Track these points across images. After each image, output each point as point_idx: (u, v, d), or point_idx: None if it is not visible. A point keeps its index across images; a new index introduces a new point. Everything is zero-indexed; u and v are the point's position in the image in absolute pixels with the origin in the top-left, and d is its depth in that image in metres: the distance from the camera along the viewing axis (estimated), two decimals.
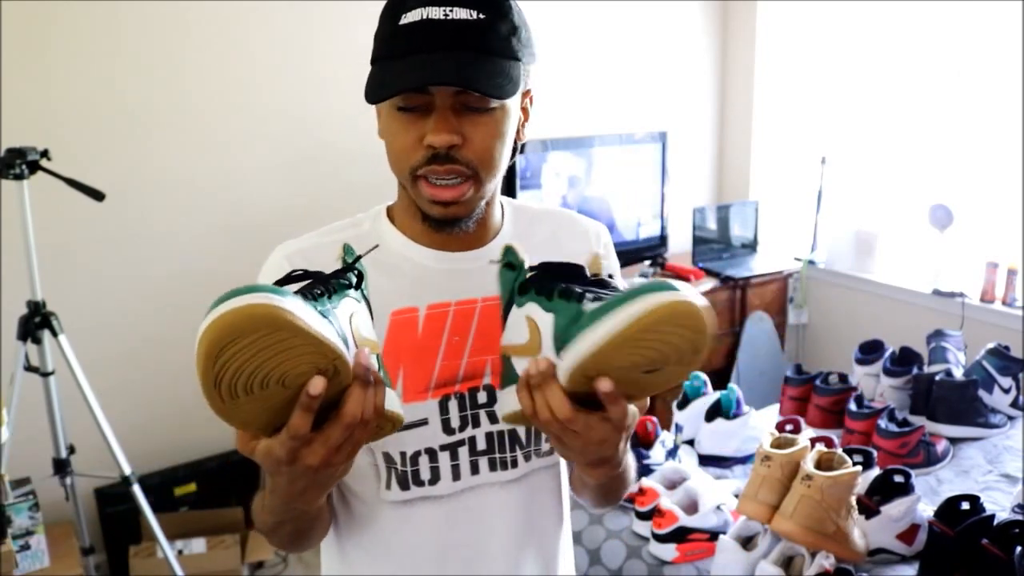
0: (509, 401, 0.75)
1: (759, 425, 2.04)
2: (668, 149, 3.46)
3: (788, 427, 1.92)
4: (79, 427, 2.22)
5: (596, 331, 0.64)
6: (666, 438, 1.99)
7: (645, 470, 1.84)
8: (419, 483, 0.88)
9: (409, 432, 0.86)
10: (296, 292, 0.63)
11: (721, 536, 1.58)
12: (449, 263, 0.89)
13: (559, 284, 0.72)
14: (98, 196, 2.05)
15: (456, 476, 0.89)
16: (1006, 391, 2.15)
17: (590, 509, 1.07)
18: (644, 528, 1.70)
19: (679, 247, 3.68)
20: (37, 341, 2.07)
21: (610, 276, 0.77)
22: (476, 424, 0.89)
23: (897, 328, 3.14)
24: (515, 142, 0.87)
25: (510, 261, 0.79)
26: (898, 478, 1.64)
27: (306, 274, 0.69)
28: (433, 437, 0.87)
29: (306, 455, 0.65)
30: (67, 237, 2.44)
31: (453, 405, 0.87)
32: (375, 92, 0.78)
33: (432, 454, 0.88)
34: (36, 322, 2.06)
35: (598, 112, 3.44)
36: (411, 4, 0.77)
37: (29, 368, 2.08)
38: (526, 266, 0.77)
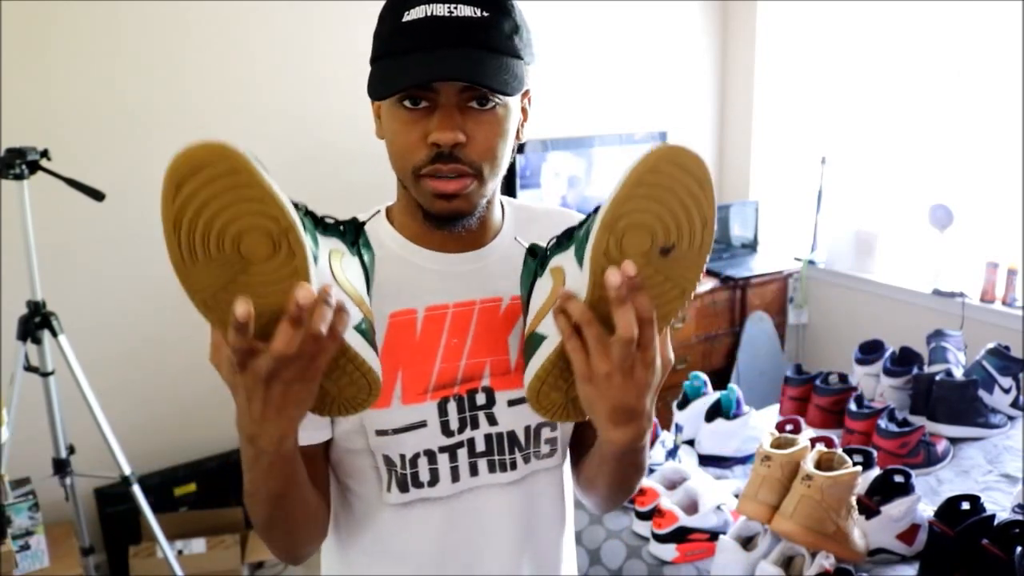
0: (533, 366, 0.75)
1: (759, 425, 2.04)
2: None
3: (788, 427, 1.92)
4: (79, 427, 2.22)
5: (608, 200, 0.67)
6: (666, 438, 1.99)
7: None
8: (418, 485, 0.88)
9: (408, 434, 0.86)
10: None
11: (721, 536, 1.57)
12: (448, 264, 0.89)
13: (574, 228, 0.75)
14: (98, 196, 2.05)
15: (455, 478, 0.89)
16: (1006, 391, 2.15)
17: (594, 510, 1.06)
18: (644, 528, 1.70)
19: None
20: (37, 341, 2.07)
21: None
22: (475, 426, 0.88)
23: (897, 328, 3.14)
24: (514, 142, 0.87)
25: (533, 247, 0.80)
26: (898, 478, 1.64)
27: (296, 206, 0.68)
28: (432, 439, 0.87)
29: (257, 362, 0.63)
30: (67, 237, 2.44)
31: (452, 407, 0.87)
32: (381, 88, 0.78)
33: (431, 456, 0.87)
34: (36, 322, 2.06)
35: (598, 112, 3.44)
36: (415, 1, 0.77)
37: (29, 368, 2.08)
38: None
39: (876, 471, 1.69)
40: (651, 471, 1.83)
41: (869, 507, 1.58)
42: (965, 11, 3.02)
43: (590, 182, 3.30)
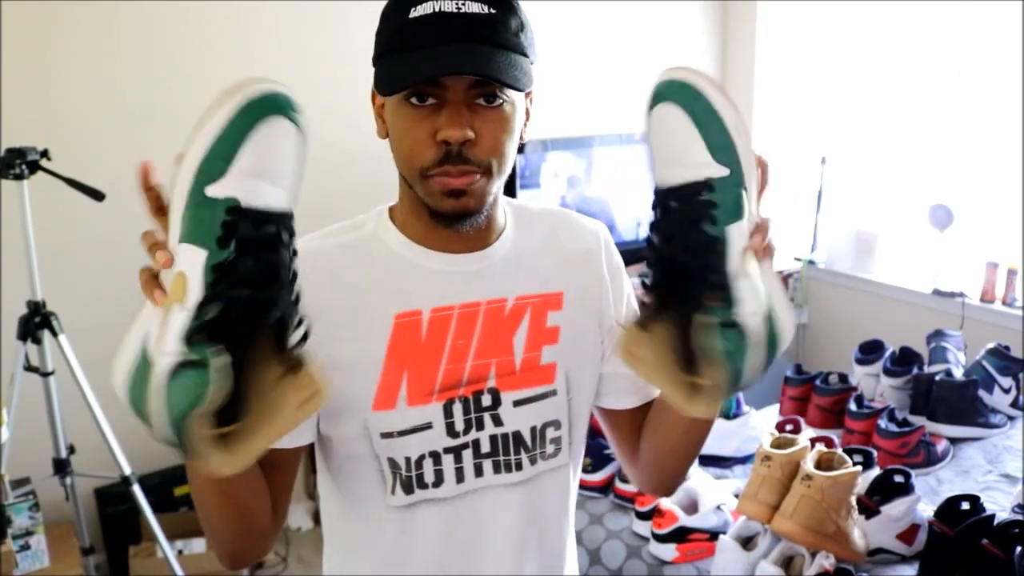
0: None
1: (759, 425, 2.04)
2: None
3: (788, 427, 1.92)
4: (79, 427, 2.21)
5: None
6: None
7: None
8: (423, 486, 0.88)
9: (413, 436, 0.86)
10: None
11: (721, 536, 1.57)
12: (452, 264, 0.88)
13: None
14: (98, 196, 2.05)
15: (460, 479, 0.88)
16: (1006, 391, 2.15)
17: (657, 490, 1.06)
18: (644, 528, 1.70)
19: None
20: (37, 341, 2.07)
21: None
22: (480, 427, 0.88)
23: (897, 328, 3.13)
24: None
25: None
26: (898, 478, 1.64)
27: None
28: (437, 440, 0.87)
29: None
30: (67, 237, 2.44)
31: (457, 408, 0.87)
32: (390, 83, 0.78)
33: (436, 457, 0.87)
34: (36, 322, 2.05)
35: (598, 112, 3.44)
36: None
37: (29, 368, 2.08)
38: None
39: (876, 471, 1.69)
40: None
41: (869, 507, 1.58)
42: (965, 11, 3.02)
43: (590, 182, 3.30)
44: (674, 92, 0.70)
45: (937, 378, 2.10)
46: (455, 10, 0.76)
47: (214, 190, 0.63)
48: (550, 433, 0.92)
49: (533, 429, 0.90)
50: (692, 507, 1.68)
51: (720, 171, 0.69)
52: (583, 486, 1.80)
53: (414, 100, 0.78)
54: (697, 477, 1.78)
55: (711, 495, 1.69)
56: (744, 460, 2.00)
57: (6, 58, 2.28)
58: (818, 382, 2.16)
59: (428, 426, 0.86)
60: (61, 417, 2.15)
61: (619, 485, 1.82)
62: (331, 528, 0.98)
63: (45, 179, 2.01)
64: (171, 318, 0.63)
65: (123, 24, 2.45)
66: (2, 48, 2.27)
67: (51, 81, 2.38)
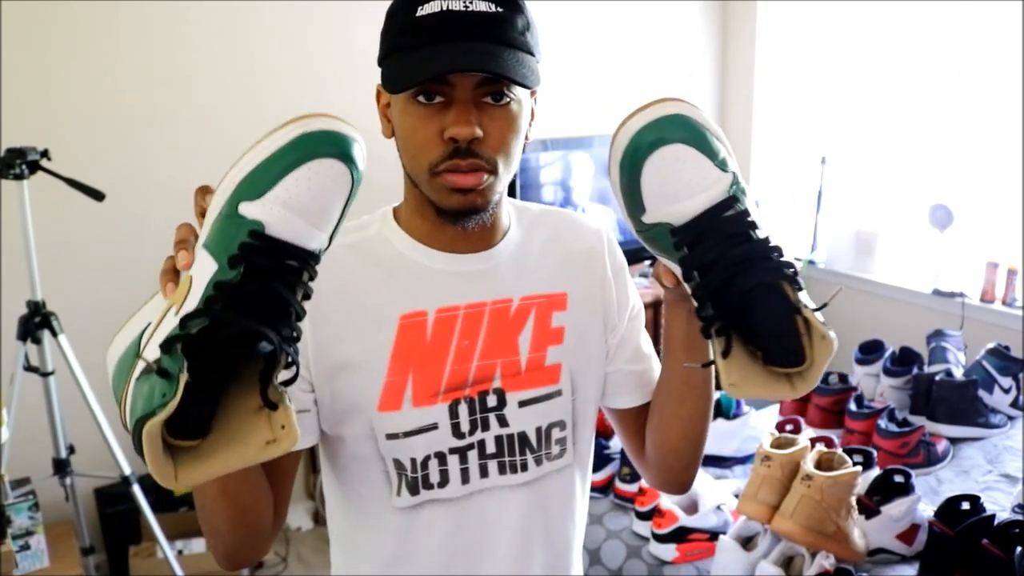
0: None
1: (759, 425, 2.04)
2: None
3: (788, 427, 1.92)
4: (79, 427, 2.22)
5: None
6: None
7: None
8: (428, 486, 0.88)
9: (419, 437, 0.86)
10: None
11: (721, 536, 1.58)
12: (458, 264, 0.88)
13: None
14: (98, 196, 2.05)
15: (465, 479, 0.88)
16: (1006, 391, 2.15)
17: (668, 485, 1.06)
18: (644, 528, 1.70)
19: None
20: (37, 341, 2.07)
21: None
22: (486, 428, 0.88)
23: (897, 328, 3.13)
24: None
25: None
26: (898, 478, 1.64)
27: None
28: (443, 441, 0.87)
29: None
30: (67, 237, 2.44)
31: (463, 409, 0.87)
32: (398, 81, 0.77)
33: (441, 458, 0.87)
34: (36, 322, 2.05)
35: (598, 112, 3.44)
36: None
37: (29, 368, 2.08)
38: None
39: (876, 471, 1.69)
40: None
41: (869, 507, 1.58)
42: (965, 11, 3.02)
43: (590, 182, 3.30)
44: (665, 130, 0.70)
45: (937, 378, 2.10)
46: (463, 8, 0.76)
47: (247, 208, 0.62)
48: (555, 434, 0.92)
49: (538, 430, 0.90)
50: (692, 507, 1.68)
51: (727, 178, 0.71)
52: None
53: (421, 98, 0.78)
54: (697, 477, 1.77)
55: (711, 495, 1.69)
56: (744, 460, 2.01)
57: (6, 58, 2.28)
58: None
59: (434, 427, 0.86)
60: (61, 417, 2.15)
61: (619, 485, 1.82)
62: (336, 529, 0.97)
63: (45, 179, 2.01)
64: (166, 319, 0.63)
65: (123, 24, 2.45)
66: (2, 48, 2.27)
67: (51, 81, 2.38)
